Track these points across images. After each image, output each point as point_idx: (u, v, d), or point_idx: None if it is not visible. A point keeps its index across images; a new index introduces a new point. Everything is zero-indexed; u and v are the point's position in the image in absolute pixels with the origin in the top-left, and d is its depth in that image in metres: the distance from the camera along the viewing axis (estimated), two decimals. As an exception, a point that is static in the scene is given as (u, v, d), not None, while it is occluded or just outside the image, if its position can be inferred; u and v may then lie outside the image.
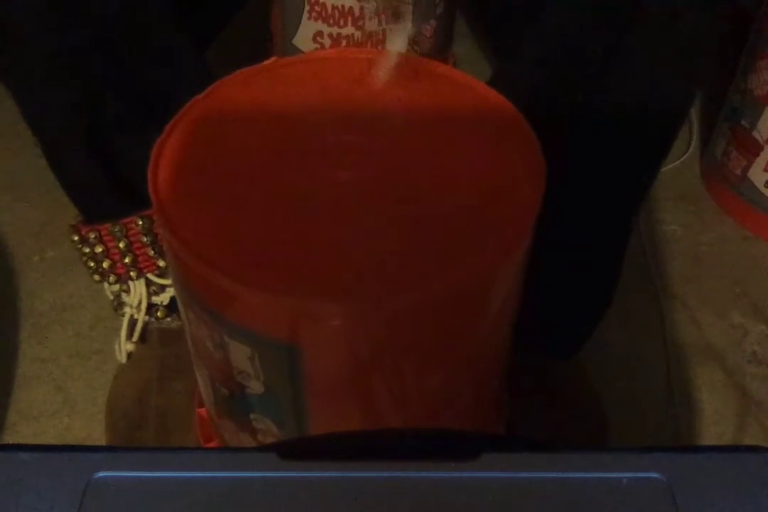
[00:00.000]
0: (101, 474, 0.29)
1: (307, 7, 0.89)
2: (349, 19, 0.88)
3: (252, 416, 0.51)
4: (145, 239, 0.69)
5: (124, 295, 0.72)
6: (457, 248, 0.43)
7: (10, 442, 0.72)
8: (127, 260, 0.69)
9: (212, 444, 0.64)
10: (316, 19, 0.89)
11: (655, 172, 0.63)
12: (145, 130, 0.50)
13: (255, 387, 0.48)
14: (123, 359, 0.74)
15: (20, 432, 0.74)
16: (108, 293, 0.74)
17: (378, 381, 0.47)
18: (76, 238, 0.71)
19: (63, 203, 0.77)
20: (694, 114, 1.04)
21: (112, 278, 0.71)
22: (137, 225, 0.68)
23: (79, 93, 0.61)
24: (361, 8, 0.87)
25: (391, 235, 0.43)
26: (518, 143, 0.46)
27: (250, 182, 0.45)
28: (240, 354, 0.46)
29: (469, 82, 0.50)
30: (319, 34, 0.90)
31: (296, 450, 0.30)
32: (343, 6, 0.87)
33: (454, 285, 0.41)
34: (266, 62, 0.49)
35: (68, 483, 0.28)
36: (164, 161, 0.46)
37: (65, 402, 0.76)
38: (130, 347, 0.74)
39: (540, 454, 0.30)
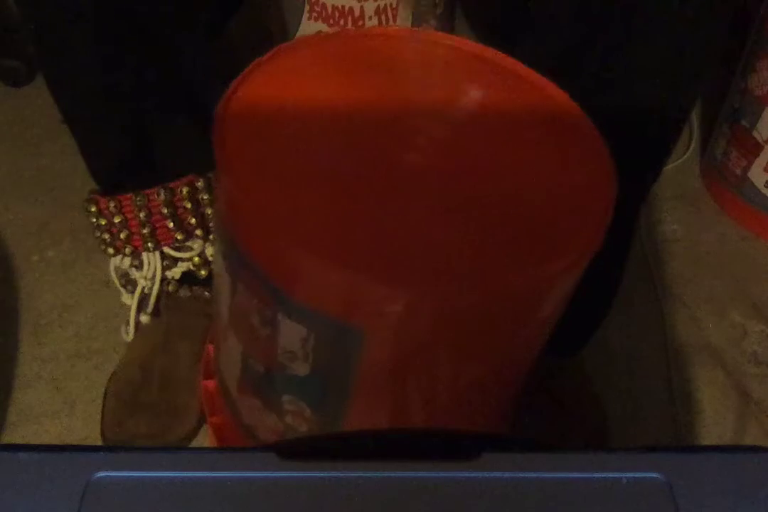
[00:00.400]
0: (101, 474, 0.29)
1: (307, 7, 0.89)
2: (349, 19, 0.88)
3: (285, 397, 0.50)
4: (165, 211, 0.69)
5: (134, 271, 0.72)
6: (526, 252, 0.42)
7: (10, 442, 0.72)
8: (145, 231, 0.69)
9: (215, 419, 0.63)
10: (316, 19, 0.89)
11: (657, 172, 0.62)
12: (171, 111, 0.50)
13: (299, 368, 0.46)
14: (129, 337, 0.74)
15: (20, 432, 0.74)
16: (113, 273, 0.73)
17: (419, 374, 0.46)
18: (93, 209, 0.71)
19: (63, 203, 0.77)
20: (694, 114, 1.04)
21: (127, 250, 0.70)
22: (159, 196, 0.68)
23: (113, 77, 0.62)
24: (361, 8, 0.87)
25: (461, 229, 0.42)
26: (587, 147, 0.46)
27: (317, 157, 0.44)
28: (292, 335, 0.44)
29: (535, 78, 0.49)
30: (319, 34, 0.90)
31: (296, 450, 0.30)
32: (343, 6, 0.87)
33: (518, 290, 0.41)
34: (336, 31, 0.48)
35: (68, 483, 0.28)
36: (229, 125, 0.44)
37: (65, 402, 0.76)
38: (145, 319, 0.74)
39: (540, 454, 0.30)
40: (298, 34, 0.92)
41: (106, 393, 0.74)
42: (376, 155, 0.44)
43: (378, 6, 0.88)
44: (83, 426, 0.75)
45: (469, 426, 0.52)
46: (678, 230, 0.93)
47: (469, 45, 0.50)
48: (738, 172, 0.90)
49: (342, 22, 0.89)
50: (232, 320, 0.51)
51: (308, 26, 0.91)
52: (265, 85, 0.46)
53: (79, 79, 0.63)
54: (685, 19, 0.52)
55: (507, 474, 0.29)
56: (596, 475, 0.29)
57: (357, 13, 0.88)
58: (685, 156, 1.00)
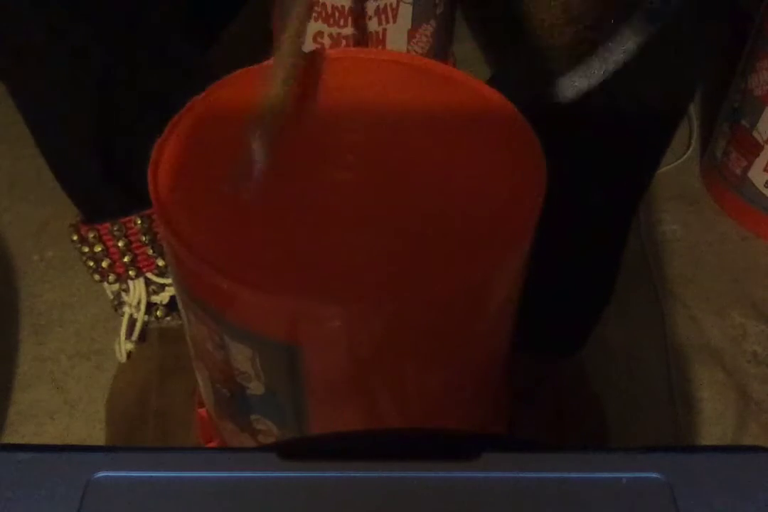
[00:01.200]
0: (101, 474, 0.29)
1: (307, 7, 0.89)
2: (349, 19, 0.88)
3: (253, 417, 0.51)
4: (144, 238, 0.69)
5: (123, 295, 0.73)
6: (458, 250, 0.42)
7: (10, 442, 0.72)
8: (126, 259, 0.69)
9: (212, 445, 0.64)
10: (316, 19, 0.89)
11: (653, 170, 0.62)
12: (146, 131, 0.49)
13: (255, 388, 0.48)
14: (123, 358, 0.74)
15: (20, 432, 0.74)
16: (108, 293, 0.74)
17: (378, 382, 0.47)
18: (75, 237, 0.71)
19: (63, 203, 0.77)
20: (694, 114, 1.04)
21: (111, 277, 0.71)
22: (136, 224, 0.68)
23: (81, 94, 0.61)
24: (361, 8, 0.87)
25: (392, 237, 0.43)
26: (519, 144, 0.46)
27: (252, 184, 0.45)
28: (240, 355, 0.46)
29: (469, 82, 0.50)
30: (320, 34, 0.90)
31: (296, 450, 0.30)
32: (343, 6, 0.87)
33: (454, 288, 0.41)
34: (266, 62, 0.49)
35: (68, 483, 0.28)
36: (164, 161, 0.46)
37: (65, 402, 0.76)
38: (129, 346, 0.74)
39: (540, 454, 0.30)
40: (298, 34, 0.92)
41: (106, 421, 0.74)
42: (308, 174, 0.45)
43: (378, 6, 0.88)
44: (83, 426, 0.75)
45: (452, 425, 0.52)
46: (678, 230, 0.93)
47: (406, 57, 0.52)
48: (738, 172, 0.91)
49: (342, 21, 0.89)
50: (194, 348, 0.52)
51: (308, 26, 0.90)
52: (201, 124, 0.47)
53: (42, 85, 0.62)
54: (683, 18, 0.52)
55: (507, 474, 0.29)
56: (596, 475, 0.29)
57: (357, 13, 0.88)
58: (685, 156, 1.00)
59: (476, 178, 0.46)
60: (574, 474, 0.29)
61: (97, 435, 0.73)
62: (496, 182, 0.46)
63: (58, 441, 0.74)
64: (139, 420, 0.72)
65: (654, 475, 0.29)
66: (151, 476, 0.29)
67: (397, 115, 0.48)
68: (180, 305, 0.50)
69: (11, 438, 0.73)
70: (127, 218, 0.68)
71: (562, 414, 0.72)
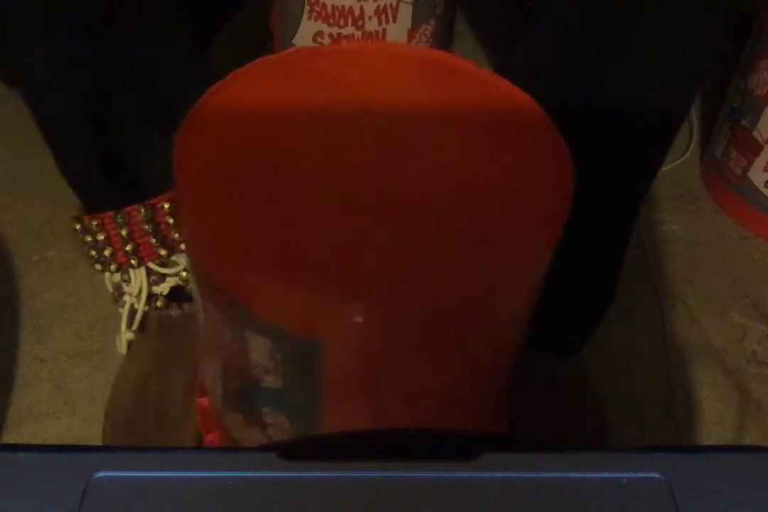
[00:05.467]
0: (101, 474, 0.29)
1: (307, 7, 0.89)
2: (349, 19, 0.88)
3: (264, 410, 0.51)
4: (146, 227, 0.69)
5: (124, 285, 0.72)
6: (480, 253, 0.42)
7: (10, 442, 0.72)
8: (128, 248, 0.69)
9: (212, 436, 0.64)
10: (316, 19, 0.89)
11: (655, 171, 0.62)
12: (148, 127, 0.50)
13: (272, 381, 0.47)
14: (123, 350, 0.74)
15: (20, 432, 0.74)
16: (108, 285, 0.74)
17: (391, 379, 0.47)
18: (78, 226, 0.71)
19: (63, 203, 0.77)
20: (694, 114, 1.04)
21: (113, 267, 0.71)
22: (139, 213, 0.68)
23: (83, 91, 0.62)
24: (361, 8, 0.87)
25: (416, 235, 0.43)
26: (545, 146, 0.46)
27: (272, 176, 0.45)
28: (260, 349, 0.45)
29: (495, 81, 0.49)
30: (319, 34, 0.90)
31: (296, 450, 0.30)
32: (343, 6, 0.87)
33: (474, 291, 0.41)
34: (287, 51, 0.48)
35: (68, 483, 0.28)
36: (188, 150, 0.45)
37: (65, 402, 0.76)
38: (129, 336, 0.74)
39: (540, 454, 0.30)
40: (297, 34, 0.92)
41: (105, 415, 0.74)
42: (333, 171, 0.45)
43: (378, 6, 0.88)
44: (83, 426, 0.75)
45: (457, 425, 0.52)
46: (678, 230, 0.93)
47: (424, 51, 0.51)
48: (738, 172, 0.90)
49: (342, 21, 0.89)
50: (207, 338, 0.52)
51: (308, 26, 0.90)
52: (221, 113, 0.47)
53: (45, 82, 0.63)
54: (684, 18, 0.52)
55: (506, 474, 0.29)
56: (596, 475, 0.29)
57: (357, 12, 0.88)
58: (685, 156, 1.00)
59: (501, 182, 0.45)
60: (574, 474, 0.29)
61: (96, 435, 0.73)
62: (521, 187, 0.45)
63: (58, 441, 0.74)
64: (138, 411, 0.72)
65: (654, 475, 0.29)
66: (151, 476, 0.29)
67: (419, 112, 0.48)
68: (197, 295, 0.50)
69: (11, 438, 0.73)
70: (131, 207, 0.68)
71: (562, 414, 0.72)
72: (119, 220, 0.69)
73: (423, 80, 0.50)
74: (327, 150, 0.46)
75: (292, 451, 0.29)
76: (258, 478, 0.29)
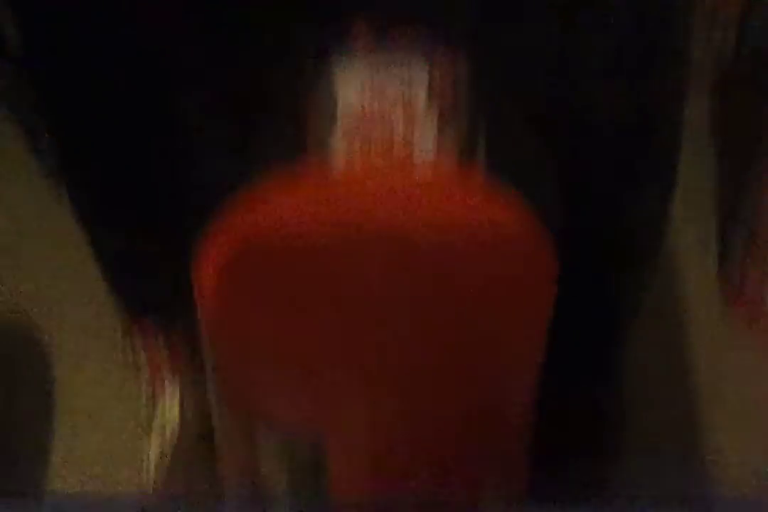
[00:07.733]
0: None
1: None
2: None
3: None
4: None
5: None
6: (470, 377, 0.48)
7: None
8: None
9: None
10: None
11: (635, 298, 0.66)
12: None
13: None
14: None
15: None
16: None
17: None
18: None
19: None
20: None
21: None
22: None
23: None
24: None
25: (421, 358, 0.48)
26: (534, 267, 0.47)
27: (288, 311, 0.46)
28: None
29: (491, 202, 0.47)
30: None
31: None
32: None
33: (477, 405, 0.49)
34: (306, 170, 0.46)
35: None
36: (207, 278, 0.46)
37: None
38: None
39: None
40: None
41: None
42: (343, 311, 0.47)
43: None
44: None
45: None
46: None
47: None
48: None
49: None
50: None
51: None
52: (237, 240, 0.45)
53: None
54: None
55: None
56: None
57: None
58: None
59: (492, 304, 0.47)
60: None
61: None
62: (508, 301, 0.47)
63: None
64: None
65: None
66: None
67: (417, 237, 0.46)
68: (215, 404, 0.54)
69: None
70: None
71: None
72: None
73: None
74: (337, 284, 0.46)
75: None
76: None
